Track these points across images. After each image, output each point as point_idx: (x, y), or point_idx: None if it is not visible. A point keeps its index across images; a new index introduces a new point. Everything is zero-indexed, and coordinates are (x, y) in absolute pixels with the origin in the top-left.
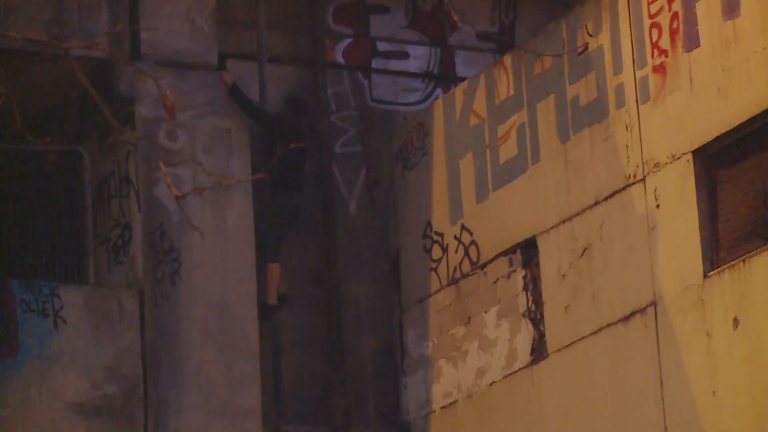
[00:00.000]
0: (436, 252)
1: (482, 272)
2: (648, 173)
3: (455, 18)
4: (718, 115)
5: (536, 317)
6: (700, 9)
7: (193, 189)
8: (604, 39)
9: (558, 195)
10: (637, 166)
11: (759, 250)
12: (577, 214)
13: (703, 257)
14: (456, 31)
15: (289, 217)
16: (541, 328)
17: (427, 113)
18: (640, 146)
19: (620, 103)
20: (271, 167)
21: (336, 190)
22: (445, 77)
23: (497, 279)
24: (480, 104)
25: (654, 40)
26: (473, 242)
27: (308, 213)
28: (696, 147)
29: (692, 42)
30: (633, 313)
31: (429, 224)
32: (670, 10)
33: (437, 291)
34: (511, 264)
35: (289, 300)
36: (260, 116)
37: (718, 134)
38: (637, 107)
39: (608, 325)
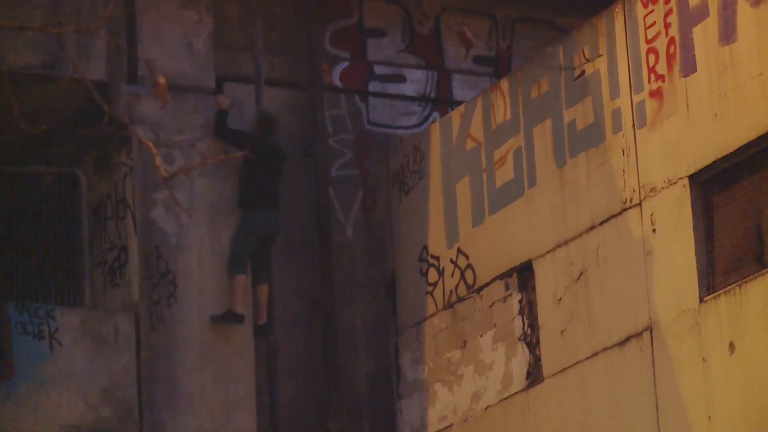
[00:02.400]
0: (432, 275)
1: (478, 296)
2: (644, 198)
3: (470, 36)
4: (715, 140)
5: (532, 341)
6: (697, 34)
7: (180, 168)
8: (601, 63)
9: (554, 219)
10: (634, 191)
11: (755, 275)
12: (574, 238)
13: (699, 282)
14: (471, 48)
15: (265, 234)
16: (537, 352)
17: (424, 137)
18: (637, 171)
19: (617, 127)
20: (243, 180)
21: (332, 213)
22: (441, 101)
23: (493, 303)
24: (477, 128)
25: (651, 65)
26: (469, 266)
27: (304, 236)
28: (692, 172)
29: (689, 67)
30: (629, 338)
31: (425, 247)
32: (666, 35)
33: (433, 314)
34: (507, 288)
35: (266, 332)
36: (238, 140)
37: (715, 159)
38: (634, 132)
39: (604, 350)
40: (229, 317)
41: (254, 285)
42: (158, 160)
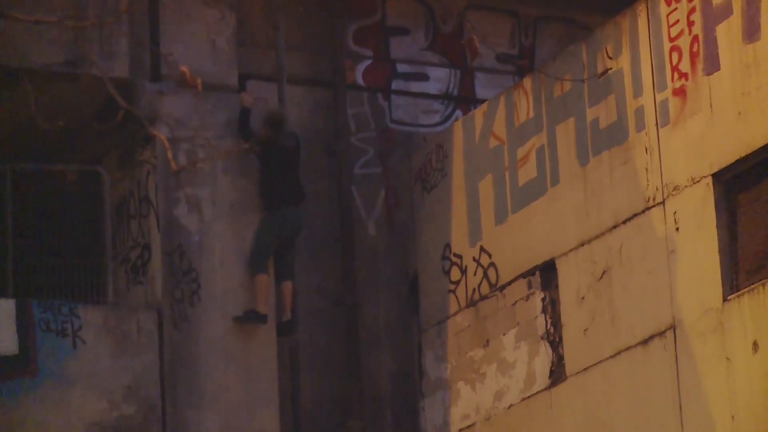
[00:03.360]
0: (455, 274)
1: (501, 294)
2: (667, 196)
3: (477, 45)
4: (738, 138)
5: (555, 340)
6: (721, 32)
7: (189, 162)
8: (624, 62)
9: (577, 218)
10: (657, 189)
11: None
12: (597, 236)
13: (723, 281)
14: (477, 57)
15: (287, 232)
16: (560, 351)
17: (447, 135)
18: (660, 169)
19: (640, 126)
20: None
21: (355, 211)
22: (464, 99)
23: (516, 301)
24: (499, 126)
25: (674, 63)
26: (492, 264)
27: (327, 234)
28: (716, 170)
29: (712, 65)
30: (652, 337)
31: (448, 246)
32: (690, 33)
33: (456, 313)
34: (530, 286)
35: (291, 330)
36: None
37: (738, 157)
38: (657, 130)
39: (627, 349)
40: (252, 317)
41: (278, 282)
42: (170, 154)
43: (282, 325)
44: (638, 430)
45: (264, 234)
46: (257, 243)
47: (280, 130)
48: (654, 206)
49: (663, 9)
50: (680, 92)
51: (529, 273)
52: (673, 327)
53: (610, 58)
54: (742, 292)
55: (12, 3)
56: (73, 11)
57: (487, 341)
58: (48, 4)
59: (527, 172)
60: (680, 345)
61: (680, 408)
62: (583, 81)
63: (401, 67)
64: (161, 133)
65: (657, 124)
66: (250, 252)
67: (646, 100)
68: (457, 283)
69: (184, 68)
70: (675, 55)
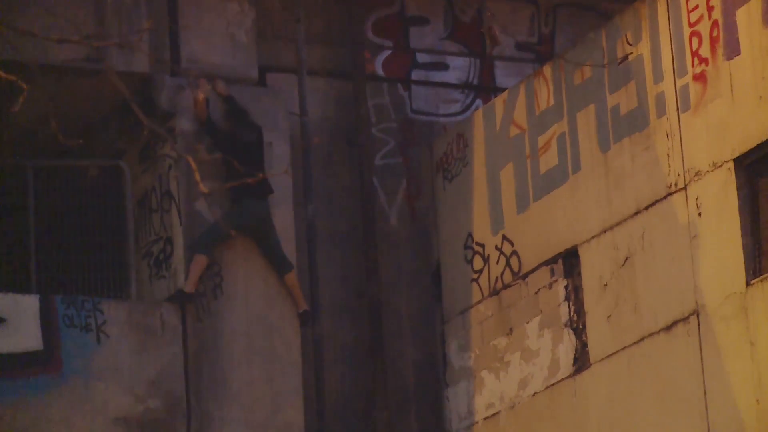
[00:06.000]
0: (478, 263)
1: (524, 282)
2: (689, 182)
3: (497, 33)
4: (760, 122)
5: (578, 327)
6: (741, 17)
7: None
8: (644, 48)
9: (599, 204)
10: (679, 175)
11: None
12: (619, 223)
13: (746, 265)
14: (497, 45)
15: (252, 224)
16: (584, 338)
17: (467, 124)
18: (681, 155)
19: (661, 111)
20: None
21: (377, 202)
22: (485, 88)
23: (539, 289)
24: (520, 114)
25: (694, 49)
26: (514, 252)
27: (349, 225)
28: (737, 155)
29: (732, 50)
30: (675, 322)
31: (470, 235)
32: (709, 18)
33: (479, 302)
34: (552, 274)
35: (308, 320)
36: (213, 133)
37: (760, 142)
38: (678, 116)
39: (651, 335)
40: (178, 296)
41: (281, 277)
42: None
43: (300, 317)
44: (663, 417)
45: (220, 222)
46: (210, 226)
47: (241, 123)
48: (676, 192)
49: None
50: (701, 77)
51: (551, 261)
52: (696, 312)
53: (630, 44)
54: (765, 276)
55: (32, 16)
56: (94, 25)
57: (511, 329)
58: (67, 15)
59: (548, 160)
60: (704, 330)
61: (705, 393)
62: (603, 67)
63: (421, 57)
64: (181, 127)
65: (678, 109)
66: (206, 231)
67: (667, 85)
68: (480, 272)
69: (200, 96)
70: (695, 41)
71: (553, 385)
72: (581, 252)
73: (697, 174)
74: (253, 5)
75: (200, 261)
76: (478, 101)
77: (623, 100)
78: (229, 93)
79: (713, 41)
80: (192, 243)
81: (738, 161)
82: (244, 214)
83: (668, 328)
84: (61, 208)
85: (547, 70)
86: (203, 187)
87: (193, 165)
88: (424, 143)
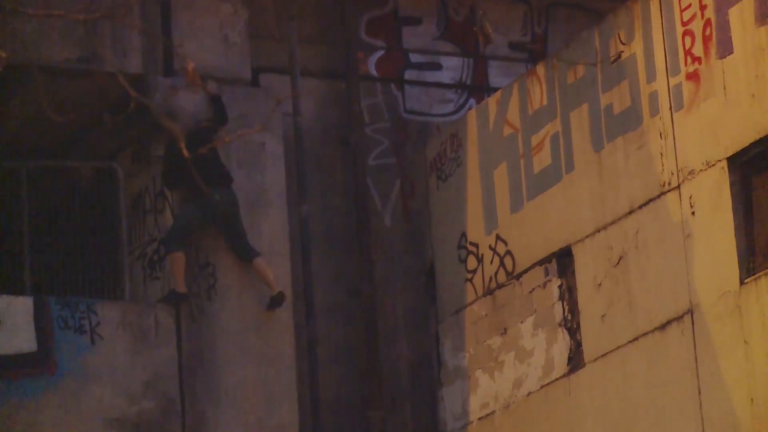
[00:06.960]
0: (471, 262)
1: (518, 282)
2: (683, 181)
3: (489, 32)
4: (753, 121)
5: (572, 326)
6: (733, 16)
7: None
8: (637, 47)
9: (593, 204)
10: (672, 174)
11: None
12: (612, 222)
13: (740, 264)
14: (489, 45)
15: (214, 213)
16: (578, 338)
17: (461, 124)
18: (675, 154)
19: (654, 110)
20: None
21: (370, 202)
22: (478, 88)
23: (533, 289)
24: (513, 114)
25: (687, 48)
26: (508, 252)
27: (343, 225)
28: (730, 154)
29: (725, 49)
30: (669, 321)
31: (464, 235)
32: (702, 17)
33: (473, 302)
34: (546, 273)
35: (282, 300)
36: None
37: (753, 140)
38: (671, 115)
39: (645, 334)
40: (172, 298)
41: (249, 263)
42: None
43: (271, 300)
44: (657, 415)
45: (181, 215)
46: (174, 223)
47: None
48: (669, 191)
49: None
50: (694, 76)
51: (545, 260)
52: (690, 311)
53: (623, 43)
54: (758, 274)
55: (26, 17)
56: (85, 4)
57: (505, 329)
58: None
59: (542, 160)
60: (698, 329)
61: (699, 392)
62: (595, 65)
63: (414, 57)
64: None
65: (671, 108)
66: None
67: (660, 84)
68: (474, 271)
69: (189, 65)
70: (688, 40)
71: (547, 384)
72: (575, 251)
73: (690, 173)
74: (246, 6)
75: (177, 258)
76: (472, 101)
77: (616, 99)
78: (218, 93)
79: (706, 40)
80: (162, 244)
81: (731, 160)
82: (201, 204)
83: (662, 327)
84: (54, 210)
85: (540, 69)
86: (203, 186)
87: (177, 134)
88: (417, 143)
